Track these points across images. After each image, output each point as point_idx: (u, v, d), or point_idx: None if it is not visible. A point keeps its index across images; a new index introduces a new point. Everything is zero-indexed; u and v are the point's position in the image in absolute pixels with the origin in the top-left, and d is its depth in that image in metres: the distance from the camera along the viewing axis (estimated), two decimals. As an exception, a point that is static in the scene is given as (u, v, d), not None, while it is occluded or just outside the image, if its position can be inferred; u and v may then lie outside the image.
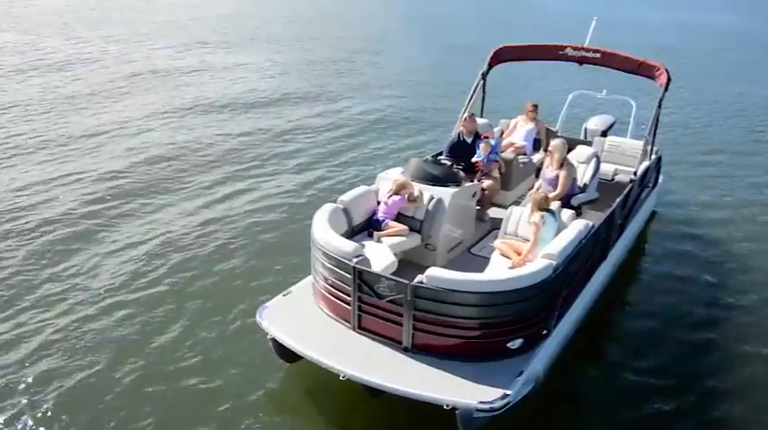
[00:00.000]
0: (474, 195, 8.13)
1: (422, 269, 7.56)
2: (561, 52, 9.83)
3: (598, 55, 9.58)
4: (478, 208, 8.85)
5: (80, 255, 8.69)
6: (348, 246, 6.23)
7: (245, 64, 21.05)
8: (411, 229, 7.48)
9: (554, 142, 8.10)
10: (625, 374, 7.04)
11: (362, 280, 6.06)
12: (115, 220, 9.78)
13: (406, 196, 7.49)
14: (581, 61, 9.75)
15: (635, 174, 8.62)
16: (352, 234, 7.30)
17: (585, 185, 8.23)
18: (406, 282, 5.82)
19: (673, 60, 21.65)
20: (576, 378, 7.02)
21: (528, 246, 6.81)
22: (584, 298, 7.30)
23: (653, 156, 9.73)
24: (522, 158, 9.74)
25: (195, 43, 23.61)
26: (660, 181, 10.80)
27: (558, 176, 7.92)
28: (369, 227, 7.46)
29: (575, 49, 9.73)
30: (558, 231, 6.90)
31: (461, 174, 8.53)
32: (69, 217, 9.77)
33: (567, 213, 7.18)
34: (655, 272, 9.32)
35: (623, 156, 9.86)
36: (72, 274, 8.22)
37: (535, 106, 10.49)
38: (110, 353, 6.86)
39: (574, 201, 7.96)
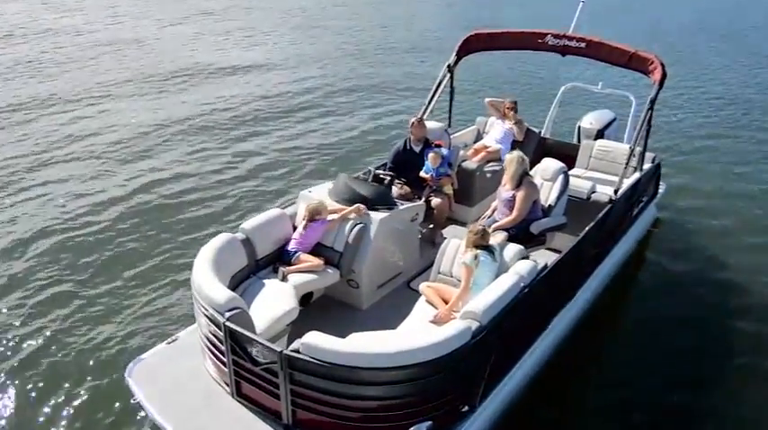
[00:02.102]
0: (415, 218, 6.80)
1: (347, 311, 6.40)
2: (541, 41, 8.33)
3: (583, 44, 8.05)
4: (431, 226, 7.57)
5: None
6: (221, 295, 5.01)
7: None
8: (329, 262, 6.22)
9: (509, 155, 6.68)
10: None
11: (235, 340, 4.87)
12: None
13: (327, 221, 6.24)
14: (563, 51, 8.23)
15: (616, 192, 7.13)
16: (256, 269, 6.10)
17: (551, 207, 6.78)
18: (278, 349, 4.59)
19: (676, 46, 19.49)
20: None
21: (458, 293, 5.48)
22: (537, 352, 5.95)
23: (647, 166, 8.20)
24: (491, 166, 8.34)
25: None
26: (662, 190, 9.24)
27: (514, 197, 6.52)
28: (277, 260, 6.23)
29: (556, 36, 8.21)
30: (500, 273, 5.55)
31: (407, 189, 7.23)
32: None
33: (512, 250, 5.78)
34: (645, 302, 7.80)
35: (614, 164, 8.34)
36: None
37: (514, 103, 9.03)
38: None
39: (534, 228, 6.55)
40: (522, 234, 6.48)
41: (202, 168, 11.02)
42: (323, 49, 20.10)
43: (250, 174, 10.88)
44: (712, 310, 7.57)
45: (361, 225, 6.20)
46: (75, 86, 15.22)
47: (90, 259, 8.11)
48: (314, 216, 6.17)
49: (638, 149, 7.89)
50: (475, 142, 9.21)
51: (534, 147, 9.06)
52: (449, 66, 8.65)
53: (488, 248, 5.56)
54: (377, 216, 6.26)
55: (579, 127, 9.76)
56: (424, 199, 7.21)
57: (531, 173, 6.93)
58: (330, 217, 6.25)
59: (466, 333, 4.66)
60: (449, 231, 7.82)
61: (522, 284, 5.33)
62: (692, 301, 7.70)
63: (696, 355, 6.81)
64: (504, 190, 6.65)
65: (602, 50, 7.96)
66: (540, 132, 9.28)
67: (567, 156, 8.98)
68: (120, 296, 7.40)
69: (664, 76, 7.49)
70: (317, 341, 4.51)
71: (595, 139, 9.32)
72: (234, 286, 5.79)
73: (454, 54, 8.68)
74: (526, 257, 5.75)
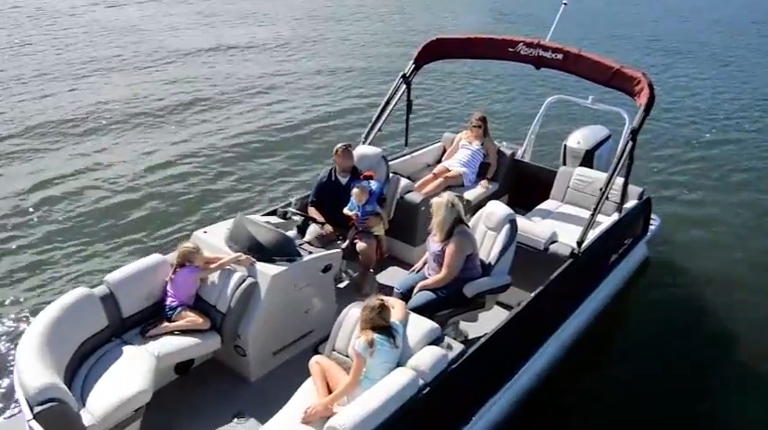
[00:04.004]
0: (328, 269, 5.61)
1: (231, 382, 5.31)
2: (511, 49, 7.02)
3: (559, 56, 6.72)
4: (358, 273, 6.41)
5: None
6: (35, 381, 3.95)
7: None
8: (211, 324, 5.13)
9: (436, 199, 5.40)
10: None
11: None
12: None
13: (197, 269, 5.12)
14: (537, 63, 6.92)
15: (579, 244, 5.84)
16: (122, 330, 5.03)
17: (490, 265, 5.50)
18: None
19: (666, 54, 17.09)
20: None
21: (347, 381, 4.32)
22: None
23: (630, 204, 6.87)
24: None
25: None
26: (655, 225, 7.86)
27: (444, 251, 5.29)
28: (152, 317, 5.14)
29: (529, 45, 6.89)
30: (404, 359, 4.37)
31: (329, 229, 6.06)
32: None
33: (421, 329, 4.54)
34: (620, 369, 6.50)
35: (594, 198, 7.00)
36: None
37: (483, 119, 7.77)
38: None
39: (468, 291, 5.29)
40: (454, 297, 5.27)
41: (76, 202, 8.95)
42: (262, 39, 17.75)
43: (140, 211, 8.78)
44: (705, 384, 6.31)
45: (251, 281, 5.08)
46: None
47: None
48: (183, 260, 5.07)
49: (620, 180, 6.57)
50: (439, 163, 8.00)
51: (505, 171, 7.81)
52: (404, 76, 7.39)
53: (388, 330, 4.36)
54: (269, 270, 5.11)
55: (565, 146, 8.40)
56: (348, 241, 6.05)
57: (473, 220, 5.70)
58: (212, 265, 5.14)
59: None
60: (388, 274, 6.66)
61: (420, 383, 4.15)
62: (680, 373, 6.40)
63: None
64: (434, 241, 5.42)
65: (581, 64, 6.63)
66: (514, 153, 7.99)
67: (545, 183, 7.72)
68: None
69: (651, 99, 6.13)
70: None
71: (583, 163, 8.02)
72: (86, 354, 4.76)
73: (412, 62, 7.43)
74: (440, 339, 4.55)
